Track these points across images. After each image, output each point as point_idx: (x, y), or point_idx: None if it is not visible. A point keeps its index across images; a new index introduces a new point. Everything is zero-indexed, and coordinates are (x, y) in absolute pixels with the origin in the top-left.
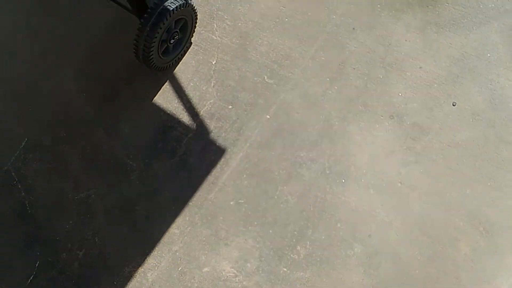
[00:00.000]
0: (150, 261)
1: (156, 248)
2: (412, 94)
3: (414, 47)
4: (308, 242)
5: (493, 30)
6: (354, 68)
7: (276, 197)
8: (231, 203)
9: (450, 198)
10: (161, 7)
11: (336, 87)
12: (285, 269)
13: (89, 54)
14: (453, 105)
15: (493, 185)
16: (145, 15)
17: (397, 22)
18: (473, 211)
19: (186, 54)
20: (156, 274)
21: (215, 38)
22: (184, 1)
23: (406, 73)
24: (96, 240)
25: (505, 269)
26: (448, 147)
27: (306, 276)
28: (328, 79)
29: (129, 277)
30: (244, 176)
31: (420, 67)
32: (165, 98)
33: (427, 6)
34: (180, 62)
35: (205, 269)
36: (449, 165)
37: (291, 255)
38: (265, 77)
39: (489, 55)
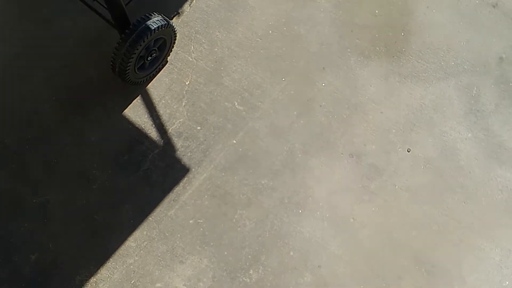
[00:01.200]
0: (103, 272)
1: (111, 259)
2: (372, 136)
3: (377, 93)
4: (261, 267)
5: (451, 86)
6: (320, 106)
7: (234, 220)
8: (190, 221)
9: (397, 238)
10: (143, 25)
11: (302, 121)
12: None
13: (63, 61)
14: (407, 151)
15: (437, 230)
16: (127, 31)
17: (364, 68)
18: (417, 253)
19: (160, 72)
20: (107, 285)
21: (191, 59)
22: (165, 22)
23: (369, 116)
24: (51, 246)
25: None
26: (400, 189)
27: None
28: (295, 112)
29: (80, 286)
30: (206, 196)
31: (381, 112)
32: (135, 112)
33: (393, 57)
34: (154, 79)
35: (158, 284)
36: (400, 207)
37: (243, 278)
38: (236, 103)
39: (444, 108)
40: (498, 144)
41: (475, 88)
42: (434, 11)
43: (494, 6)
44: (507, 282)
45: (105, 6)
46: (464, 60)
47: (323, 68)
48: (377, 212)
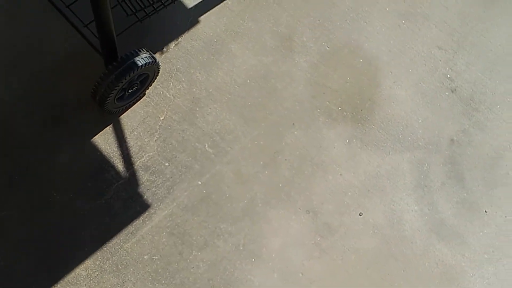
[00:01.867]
0: None
1: (59, 285)
2: (329, 196)
3: (339, 155)
4: None
5: (405, 159)
6: (286, 160)
7: (189, 260)
8: (145, 257)
9: None
10: (131, 60)
11: (266, 172)
12: None
13: (39, 76)
14: (360, 215)
15: None
16: (114, 63)
17: (330, 129)
18: None
19: (137, 104)
20: None
21: (168, 95)
22: (152, 59)
23: (329, 176)
24: (2, 263)
25: None
26: (348, 251)
27: None
28: (261, 163)
29: None
30: (164, 233)
31: (341, 174)
32: (105, 140)
33: (358, 123)
34: (129, 110)
35: None
36: (346, 267)
37: None
38: (206, 145)
39: (397, 179)
40: (440, 220)
41: (426, 165)
42: (399, 87)
43: (452, 91)
44: None
45: (96, 35)
46: (419, 137)
47: (293, 124)
48: (325, 270)
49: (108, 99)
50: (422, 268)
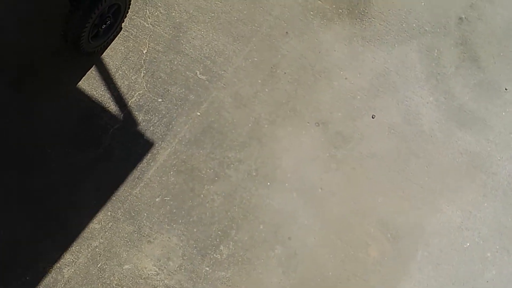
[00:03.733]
0: (67, 256)
1: (75, 243)
2: (337, 103)
3: (341, 57)
4: (231, 243)
5: (413, 49)
6: (285, 73)
7: (202, 196)
8: (157, 199)
9: (364, 205)
10: None
11: (267, 90)
12: (207, 268)
13: (7, 27)
14: (372, 117)
15: (401, 195)
16: None
17: (327, 32)
18: (383, 218)
19: (115, 40)
20: (73, 270)
21: (147, 25)
22: None
23: (333, 82)
24: (2, 233)
25: (407, 274)
26: (366, 157)
27: (227, 275)
28: (259, 81)
29: (43, 272)
30: (171, 172)
31: (346, 78)
32: (90, 85)
33: (355, 19)
34: (109, 48)
35: (126, 266)
36: (366, 174)
37: (214, 255)
38: (198, 73)
39: (407, 72)
40: (458, 107)
41: (436, 51)
42: None
43: None
44: (468, 244)
45: None
46: (425, 22)
47: (286, 33)
48: (345, 180)
49: (82, 38)
50: (446, 161)
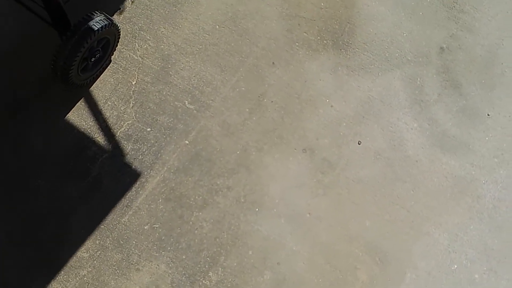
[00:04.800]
0: (55, 285)
1: (62, 272)
2: (323, 130)
3: (327, 86)
4: (220, 269)
5: (396, 77)
6: (272, 101)
7: (191, 222)
8: (145, 227)
9: (352, 230)
10: (86, 26)
11: (254, 118)
12: None
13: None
14: (358, 143)
15: (388, 219)
16: (68, 33)
17: (313, 62)
18: (371, 242)
19: (104, 72)
20: None
21: (136, 58)
22: (109, 21)
23: (319, 110)
24: None
25: None
26: (352, 182)
27: None
28: (247, 109)
29: None
30: (160, 200)
31: (332, 106)
32: (79, 116)
33: (340, 49)
34: (98, 80)
35: None
36: (353, 199)
37: (203, 281)
38: (186, 102)
39: (391, 100)
40: (442, 132)
41: (419, 79)
42: (376, 3)
43: None
44: (455, 266)
45: (42, 5)
46: (407, 51)
47: (273, 63)
48: (332, 206)
49: (71, 71)
50: (432, 185)
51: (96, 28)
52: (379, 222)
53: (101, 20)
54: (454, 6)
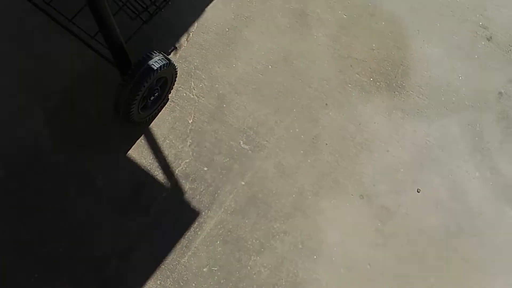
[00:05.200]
0: None
1: None
2: (380, 176)
3: (381, 129)
4: None
5: (453, 123)
6: (326, 144)
7: (249, 267)
8: (204, 269)
9: (416, 285)
10: (146, 65)
11: (309, 161)
12: None
13: (61, 99)
14: (417, 191)
15: (455, 276)
16: (129, 72)
17: (366, 104)
18: None
19: (162, 110)
20: None
21: (192, 96)
22: (167, 61)
23: (375, 154)
24: None
25: None
26: (413, 233)
27: None
28: (301, 151)
29: None
30: (218, 242)
31: (388, 151)
32: (139, 153)
33: (394, 92)
34: (156, 118)
35: None
36: (415, 251)
37: None
38: (241, 142)
39: (450, 146)
40: (505, 183)
41: (478, 125)
42: (430, 44)
43: (488, 39)
44: None
45: (105, 45)
46: (464, 96)
47: (326, 104)
48: (393, 258)
49: (132, 110)
50: (499, 240)
51: (156, 68)
52: (445, 277)
53: (160, 59)
54: (510, 49)
